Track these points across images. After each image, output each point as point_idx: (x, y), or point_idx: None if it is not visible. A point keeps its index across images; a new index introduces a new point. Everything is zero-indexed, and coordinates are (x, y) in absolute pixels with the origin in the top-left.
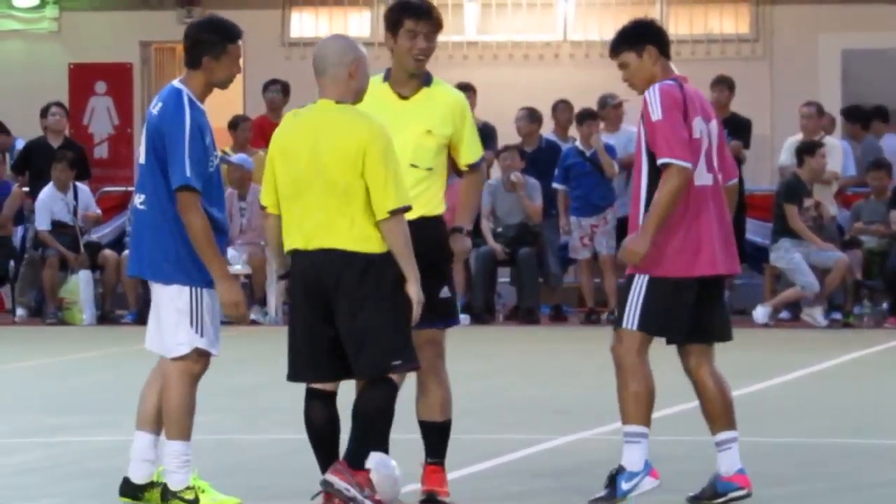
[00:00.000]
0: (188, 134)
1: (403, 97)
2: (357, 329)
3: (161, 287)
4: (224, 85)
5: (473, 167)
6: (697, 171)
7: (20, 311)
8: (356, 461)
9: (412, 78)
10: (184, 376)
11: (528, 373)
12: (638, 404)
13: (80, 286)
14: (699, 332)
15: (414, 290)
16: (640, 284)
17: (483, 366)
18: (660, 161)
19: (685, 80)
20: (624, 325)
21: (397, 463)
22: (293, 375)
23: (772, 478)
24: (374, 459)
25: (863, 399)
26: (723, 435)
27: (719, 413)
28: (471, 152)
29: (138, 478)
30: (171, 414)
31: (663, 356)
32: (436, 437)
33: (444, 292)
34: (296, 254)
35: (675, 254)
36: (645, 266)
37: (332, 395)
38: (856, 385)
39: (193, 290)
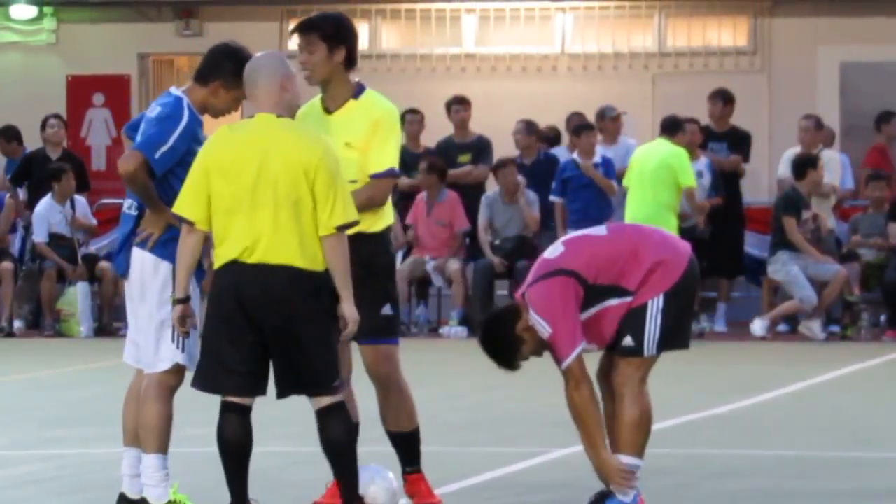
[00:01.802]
0: (180, 130)
1: (329, 111)
2: (302, 347)
3: (146, 281)
4: (217, 114)
5: (375, 177)
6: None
7: (18, 324)
8: (351, 495)
9: (335, 91)
10: (162, 390)
11: (526, 385)
12: (637, 434)
13: (78, 298)
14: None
15: (350, 309)
16: (654, 307)
17: (480, 379)
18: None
19: None
20: (645, 353)
21: (394, 475)
22: (206, 385)
23: (770, 491)
24: (370, 472)
25: (861, 412)
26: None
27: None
28: (374, 162)
29: (132, 493)
30: (148, 427)
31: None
32: (407, 445)
33: (387, 309)
34: (230, 265)
35: (666, 262)
36: (654, 288)
37: (249, 410)
38: (854, 398)
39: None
